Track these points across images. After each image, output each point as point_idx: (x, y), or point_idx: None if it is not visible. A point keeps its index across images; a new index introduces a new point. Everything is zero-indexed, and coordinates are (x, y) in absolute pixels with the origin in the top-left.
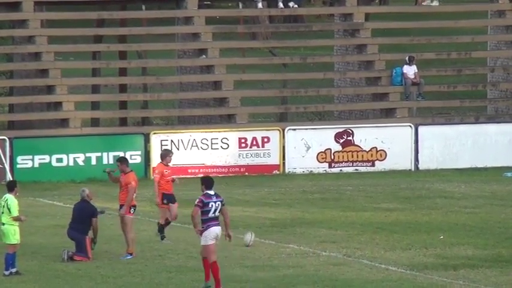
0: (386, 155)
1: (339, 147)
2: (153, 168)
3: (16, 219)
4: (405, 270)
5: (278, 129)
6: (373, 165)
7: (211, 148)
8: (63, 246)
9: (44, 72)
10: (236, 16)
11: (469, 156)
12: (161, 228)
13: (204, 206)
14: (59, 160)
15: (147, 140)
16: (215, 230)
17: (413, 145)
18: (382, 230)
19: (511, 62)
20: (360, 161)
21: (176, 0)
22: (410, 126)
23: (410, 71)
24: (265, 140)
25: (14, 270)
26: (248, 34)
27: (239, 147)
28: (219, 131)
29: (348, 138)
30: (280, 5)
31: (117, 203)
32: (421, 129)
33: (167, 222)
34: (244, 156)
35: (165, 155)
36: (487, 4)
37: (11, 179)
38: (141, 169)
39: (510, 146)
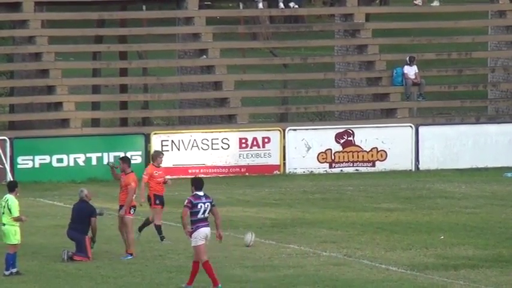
0: (386, 155)
1: (339, 148)
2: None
3: (17, 219)
4: (406, 271)
5: (279, 130)
6: (373, 165)
7: (212, 148)
8: (64, 246)
9: (44, 73)
10: (237, 16)
11: (469, 157)
12: (159, 229)
13: (193, 207)
14: (60, 160)
15: (147, 141)
16: (204, 231)
17: (413, 145)
18: (383, 230)
19: (511, 62)
20: (360, 161)
21: (177, 1)
22: (410, 126)
23: (411, 71)
24: (266, 140)
25: (14, 270)
26: (249, 34)
27: (240, 148)
28: (219, 131)
29: (349, 138)
30: (281, 5)
31: (117, 203)
32: (421, 129)
33: (147, 223)
34: (245, 156)
35: (156, 156)
36: (488, 4)
37: (12, 179)
38: (142, 169)
39: (510, 146)
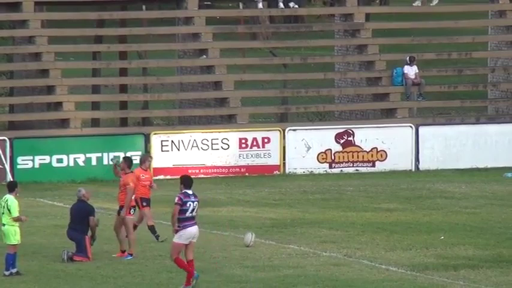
0: (386, 156)
1: (339, 148)
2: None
3: (16, 219)
4: (406, 271)
5: (278, 130)
6: (373, 165)
7: (212, 148)
8: (64, 246)
9: (44, 73)
10: (236, 16)
11: (469, 157)
12: (152, 229)
13: (182, 205)
14: (59, 160)
15: (147, 141)
16: (192, 230)
17: (413, 145)
18: (383, 231)
19: (511, 62)
20: (360, 162)
21: (176, 1)
22: (410, 126)
23: (411, 71)
24: (266, 140)
25: (14, 270)
26: (248, 34)
27: (239, 148)
28: (219, 131)
29: (349, 138)
30: (281, 5)
31: (117, 203)
32: (421, 129)
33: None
34: (245, 156)
35: (144, 159)
36: (488, 4)
37: (12, 179)
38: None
39: (510, 146)
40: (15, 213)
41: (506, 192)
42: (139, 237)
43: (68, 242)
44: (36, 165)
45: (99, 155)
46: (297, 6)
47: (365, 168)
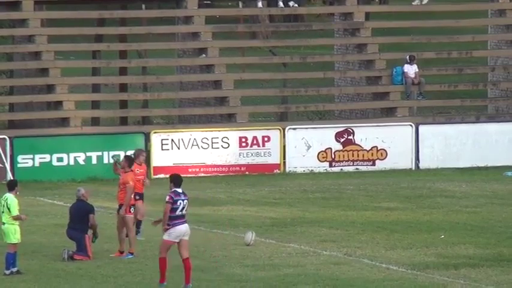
0: (386, 154)
1: (339, 147)
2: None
3: (16, 218)
4: (406, 270)
5: (278, 129)
6: (373, 164)
7: (212, 147)
8: (64, 245)
9: (44, 72)
10: (236, 15)
11: (469, 156)
12: (138, 224)
13: (173, 204)
14: (60, 159)
15: (147, 139)
16: (181, 229)
17: (413, 144)
18: (383, 229)
19: (511, 61)
20: (360, 160)
21: (176, 0)
22: (410, 125)
23: (410, 70)
24: (266, 139)
25: (14, 269)
26: (248, 33)
27: (239, 147)
28: (219, 130)
29: (349, 137)
30: (280, 4)
31: (117, 202)
32: (421, 128)
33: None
34: (245, 155)
35: (138, 154)
36: (488, 3)
37: (12, 178)
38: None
39: (511, 145)
40: (15, 212)
41: (506, 191)
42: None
43: (68, 241)
44: (37, 164)
45: (99, 153)
46: (296, 5)
47: (365, 167)
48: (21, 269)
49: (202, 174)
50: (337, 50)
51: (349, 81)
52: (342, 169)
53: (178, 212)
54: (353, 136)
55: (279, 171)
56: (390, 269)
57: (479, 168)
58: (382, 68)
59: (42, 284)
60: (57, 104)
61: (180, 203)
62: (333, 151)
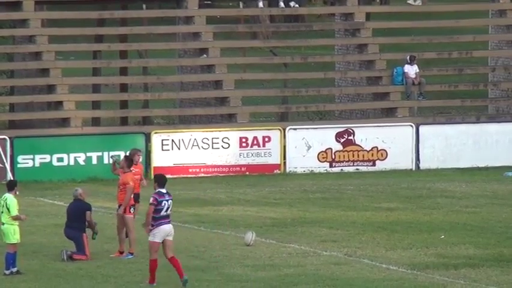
0: (387, 155)
1: (339, 147)
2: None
3: (15, 218)
4: (406, 270)
5: (279, 129)
6: (374, 164)
7: (212, 147)
8: (64, 245)
9: (44, 72)
10: (237, 15)
11: (470, 156)
12: None
13: (158, 205)
14: (60, 159)
15: (148, 140)
16: (165, 228)
17: (414, 144)
18: (383, 230)
19: None
20: (360, 161)
21: (177, 0)
22: (411, 125)
23: (411, 70)
24: (266, 139)
25: (14, 269)
26: (249, 33)
27: (240, 147)
28: (219, 131)
29: (349, 137)
30: (281, 4)
31: (117, 202)
32: (422, 128)
33: None
34: (245, 155)
35: (134, 154)
36: (488, 3)
37: (12, 178)
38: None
39: (511, 145)
40: (14, 212)
41: (506, 192)
42: (139, 237)
43: (67, 241)
44: (37, 164)
45: (100, 154)
46: (297, 5)
47: (365, 167)
48: (21, 269)
49: (203, 175)
50: (337, 50)
51: (350, 81)
52: (342, 169)
53: (163, 213)
54: (353, 136)
55: (279, 172)
56: (390, 269)
57: (479, 169)
58: (383, 69)
59: (43, 284)
60: (58, 104)
61: (165, 204)
62: (333, 151)
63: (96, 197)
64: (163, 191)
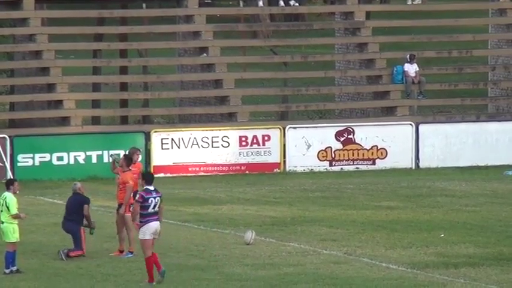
0: (387, 154)
1: (339, 146)
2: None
3: (15, 217)
4: (406, 269)
5: (279, 128)
6: (373, 163)
7: (212, 146)
8: (64, 244)
9: (44, 71)
10: (237, 14)
11: (470, 155)
12: None
13: (144, 202)
14: (60, 158)
15: (147, 139)
16: (154, 225)
17: (414, 143)
18: (383, 228)
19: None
20: (360, 159)
21: None
22: (411, 124)
23: (411, 69)
24: (266, 138)
25: (14, 268)
26: (249, 32)
27: (240, 146)
28: (219, 129)
29: (349, 136)
30: (281, 3)
31: (117, 201)
32: (422, 127)
33: None
34: (245, 154)
35: (133, 153)
36: (488, 2)
37: (12, 177)
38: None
39: (511, 144)
40: (14, 210)
41: (506, 191)
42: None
43: (66, 240)
44: (37, 163)
45: (100, 153)
46: (297, 4)
47: (365, 166)
48: (21, 268)
49: (203, 174)
50: (337, 49)
51: (350, 80)
52: (342, 168)
53: (150, 210)
54: (353, 135)
55: (279, 171)
56: (390, 268)
57: (479, 168)
58: (383, 67)
59: (42, 283)
60: (58, 103)
61: (152, 201)
62: (333, 150)
63: (96, 196)
64: (151, 188)
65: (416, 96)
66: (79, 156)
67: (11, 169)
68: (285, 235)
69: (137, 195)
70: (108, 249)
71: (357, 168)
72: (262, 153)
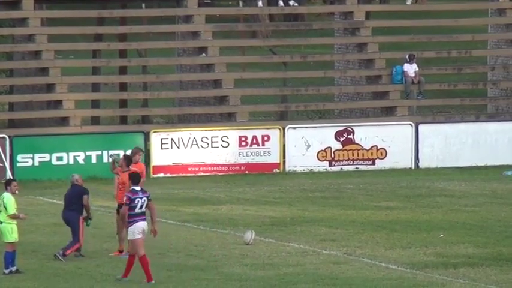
0: (386, 154)
1: (339, 146)
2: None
3: (13, 217)
4: (405, 269)
5: (278, 128)
6: (373, 163)
7: (212, 146)
8: (63, 245)
9: (44, 71)
10: (236, 14)
11: (469, 155)
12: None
13: (131, 202)
14: (59, 158)
15: (147, 139)
16: (141, 225)
17: (413, 143)
18: (383, 229)
19: (511, 60)
20: (360, 160)
21: None
22: (410, 124)
23: (410, 69)
24: (266, 138)
25: (14, 268)
26: (248, 32)
27: (239, 146)
28: (219, 129)
29: (348, 136)
30: (281, 3)
31: (116, 201)
32: (421, 127)
33: None
34: (245, 154)
35: (136, 152)
36: (488, 2)
37: (11, 177)
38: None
39: (510, 144)
40: (11, 210)
41: (506, 191)
42: None
43: (66, 240)
44: (36, 163)
45: (99, 153)
46: (296, 4)
47: (365, 166)
48: (21, 268)
49: (202, 174)
50: (337, 49)
51: (349, 80)
52: (341, 168)
53: (137, 210)
54: (353, 135)
55: (278, 171)
56: (389, 268)
57: (478, 168)
58: (382, 67)
59: (42, 283)
60: (57, 103)
61: (138, 201)
62: (332, 150)
63: (96, 196)
64: (137, 188)
65: (415, 96)
66: (78, 156)
67: (10, 169)
68: (285, 235)
69: (124, 197)
70: (107, 249)
71: (357, 168)
72: (262, 154)
